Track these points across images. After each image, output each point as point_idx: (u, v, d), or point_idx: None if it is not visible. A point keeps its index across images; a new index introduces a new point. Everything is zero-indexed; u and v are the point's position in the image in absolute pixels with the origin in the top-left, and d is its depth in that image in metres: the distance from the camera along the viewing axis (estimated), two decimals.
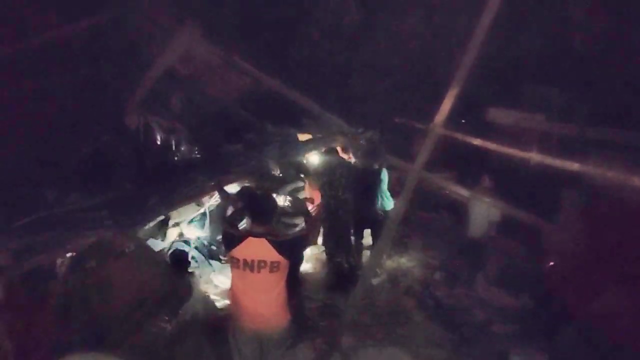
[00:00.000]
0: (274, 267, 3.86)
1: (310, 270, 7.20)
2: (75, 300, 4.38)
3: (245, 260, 3.87)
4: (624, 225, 4.74)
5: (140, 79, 7.77)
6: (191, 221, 7.17)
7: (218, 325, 4.79)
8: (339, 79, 9.27)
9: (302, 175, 7.72)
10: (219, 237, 7.13)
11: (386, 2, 9.16)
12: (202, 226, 7.28)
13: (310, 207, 7.08)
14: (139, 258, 4.92)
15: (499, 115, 8.14)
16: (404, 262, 7.39)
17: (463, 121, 7.56)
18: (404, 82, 9.24)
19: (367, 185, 6.85)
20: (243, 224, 5.35)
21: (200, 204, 7.09)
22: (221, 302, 5.91)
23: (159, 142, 7.65)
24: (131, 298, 4.59)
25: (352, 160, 7.03)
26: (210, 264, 6.84)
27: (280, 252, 3.85)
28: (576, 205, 5.38)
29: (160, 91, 8.01)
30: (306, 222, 4.58)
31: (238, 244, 3.89)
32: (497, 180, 6.90)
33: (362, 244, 7.31)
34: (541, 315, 5.58)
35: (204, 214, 7.22)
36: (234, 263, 3.94)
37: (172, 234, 6.87)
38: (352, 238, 7.08)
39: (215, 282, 6.56)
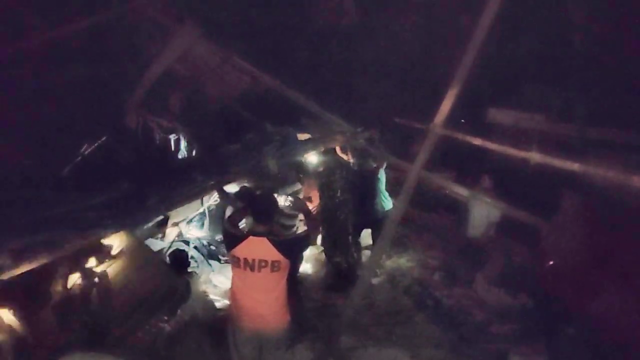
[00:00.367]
0: (274, 266, 3.86)
1: (310, 271, 7.20)
2: (75, 301, 4.38)
3: (246, 260, 3.87)
4: (624, 225, 4.74)
5: (139, 79, 7.77)
6: (190, 221, 7.16)
7: (217, 325, 4.79)
8: (338, 78, 9.27)
9: (301, 176, 7.72)
10: (219, 237, 7.13)
11: (385, 2, 9.16)
12: (202, 226, 7.28)
13: (309, 206, 7.08)
14: (138, 258, 4.93)
15: (499, 115, 8.14)
16: (403, 262, 7.38)
17: (462, 121, 7.56)
18: (403, 82, 9.24)
19: (366, 185, 6.85)
20: (243, 224, 5.35)
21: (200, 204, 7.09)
22: (220, 302, 5.91)
23: (158, 142, 7.65)
24: (130, 298, 4.59)
25: (351, 160, 7.03)
26: (210, 264, 6.83)
27: (281, 251, 3.85)
28: (575, 205, 5.37)
29: (159, 91, 8.01)
30: (307, 221, 4.57)
31: (239, 243, 3.90)
32: (497, 180, 6.90)
33: (360, 243, 7.31)
34: (540, 316, 5.57)
35: (203, 213, 7.21)
36: (235, 262, 3.94)
37: (171, 233, 6.86)
38: (351, 238, 7.09)
39: (215, 282, 6.55)
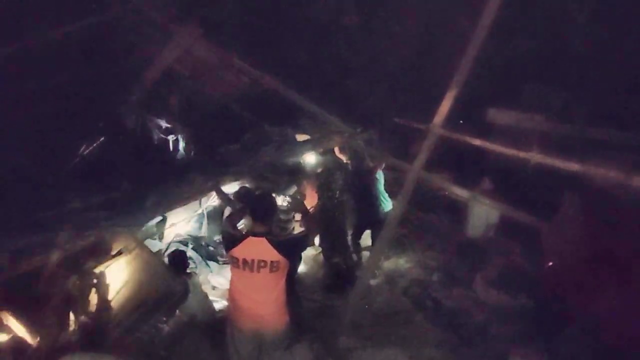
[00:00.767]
0: (273, 266, 3.86)
1: (308, 271, 7.19)
2: (74, 301, 4.37)
3: (245, 260, 3.86)
4: (623, 225, 4.74)
5: (139, 79, 7.77)
6: (189, 222, 7.16)
7: (216, 325, 4.79)
8: (337, 79, 9.26)
9: (299, 177, 7.72)
10: (217, 238, 7.12)
11: (384, 1, 9.16)
12: (200, 227, 7.27)
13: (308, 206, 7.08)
14: (137, 258, 4.92)
15: (498, 115, 8.13)
16: (402, 263, 7.38)
17: (461, 122, 7.55)
18: (402, 82, 9.23)
19: (364, 186, 6.85)
20: (242, 224, 5.35)
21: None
22: (219, 303, 5.90)
23: (157, 142, 7.65)
24: (129, 298, 4.58)
25: (350, 161, 7.02)
26: (208, 265, 6.83)
27: (280, 251, 3.84)
28: (575, 206, 5.36)
29: (158, 91, 8.00)
30: (305, 222, 4.57)
31: (238, 244, 3.89)
32: (496, 180, 6.90)
33: (360, 245, 7.31)
34: (540, 316, 5.56)
35: (201, 214, 7.21)
36: (234, 263, 3.93)
37: (169, 234, 6.86)
38: (350, 239, 7.09)
39: (213, 283, 6.55)
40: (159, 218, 6.27)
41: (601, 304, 4.66)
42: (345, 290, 6.25)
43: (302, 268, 6.86)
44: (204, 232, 7.21)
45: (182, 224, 7.06)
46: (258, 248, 3.85)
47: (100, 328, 4.27)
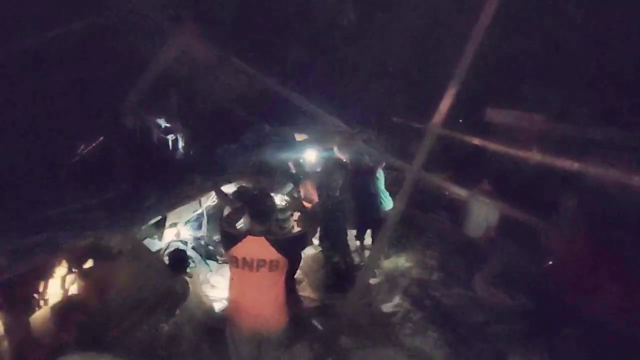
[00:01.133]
0: (273, 265, 3.86)
1: (308, 271, 7.18)
2: (73, 301, 4.37)
3: (244, 259, 3.86)
4: (623, 225, 4.75)
5: (138, 79, 7.76)
6: (188, 221, 7.15)
7: (216, 325, 4.78)
8: (336, 78, 9.27)
9: (299, 176, 7.72)
10: (216, 238, 7.11)
11: (384, 1, 9.17)
12: (199, 226, 7.26)
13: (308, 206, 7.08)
14: (136, 258, 4.92)
15: (498, 115, 8.14)
16: (401, 262, 7.38)
17: (460, 121, 7.57)
18: (401, 82, 9.25)
19: (364, 185, 6.85)
20: (241, 224, 5.34)
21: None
22: (218, 302, 5.90)
23: (156, 142, 7.64)
24: (128, 298, 4.58)
25: (349, 160, 7.03)
26: (207, 264, 6.82)
27: (279, 250, 3.84)
28: (575, 205, 5.37)
29: (157, 91, 8.00)
30: (304, 220, 4.58)
31: (237, 243, 3.89)
32: (495, 180, 6.89)
33: (363, 244, 7.33)
34: (539, 316, 5.57)
35: (201, 214, 7.20)
36: (233, 262, 3.93)
37: (169, 234, 6.85)
38: (355, 239, 7.10)
39: (212, 282, 6.54)
40: (158, 218, 6.27)
41: (600, 304, 4.67)
42: (345, 289, 6.25)
43: (302, 268, 6.85)
44: (203, 231, 7.20)
45: (181, 223, 7.04)
46: (257, 247, 3.85)
47: (100, 328, 4.27)
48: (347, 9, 9.31)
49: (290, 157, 7.26)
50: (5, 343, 3.91)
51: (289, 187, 7.64)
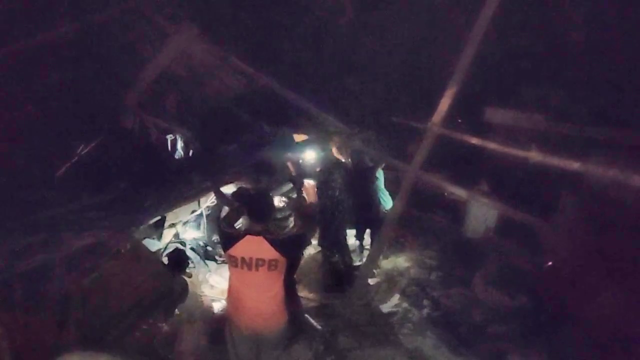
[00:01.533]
0: (272, 265, 3.86)
1: (308, 271, 7.19)
2: (73, 300, 4.37)
3: (243, 259, 3.87)
4: (623, 225, 4.75)
5: (136, 79, 7.76)
6: (187, 222, 7.15)
7: (215, 324, 4.79)
8: (334, 78, 9.26)
9: (298, 176, 7.72)
10: (215, 238, 7.12)
11: (383, 1, 9.16)
12: (198, 227, 7.27)
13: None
14: (135, 258, 4.92)
15: (497, 115, 8.13)
16: (401, 262, 7.38)
17: (460, 121, 7.57)
18: (400, 82, 9.24)
19: (364, 185, 6.86)
20: (240, 224, 5.34)
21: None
22: (217, 302, 5.90)
23: (155, 143, 7.64)
24: (128, 298, 4.59)
25: (348, 160, 7.04)
26: (206, 265, 6.82)
27: (278, 250, 3.85)
28: (574, 205, 5.38)
29: (156, 91, 8.00)
30: (302, 220, 4.58)
31: (236, 243, 3.89)
32: (494, 180, 6.90)
33: (363, 244, 7.33)
34: (539, 316, 5.57)
35: (200, 214, 7.21)
36: (232, 262, 3.93)
37: (168, 234, 6.85)
38: (354, 239, 7.10)
39: (211, 282, 6.54)
40: (158, 218, 6.27)
41: (600, 304, 4.68)
42: (344, 289, 6.25)
43: (301, 268, 6.85)
44: (202, 232, 7.20)
45: (180, 224, 7.05)
46: (256, 246, 3.86)
47: (100, 327, 4.27)
48: (346, 9, 9.30)
49: (289, 158, 7.26)
50: (5, 343, 3.91)
51: (288, 186, 7.65)
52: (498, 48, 7.57)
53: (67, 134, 6.87)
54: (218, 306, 5.78)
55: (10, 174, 5.93)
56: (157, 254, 6.09)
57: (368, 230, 7.27)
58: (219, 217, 6.69)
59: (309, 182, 6.97)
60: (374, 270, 6.89)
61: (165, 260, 5.93)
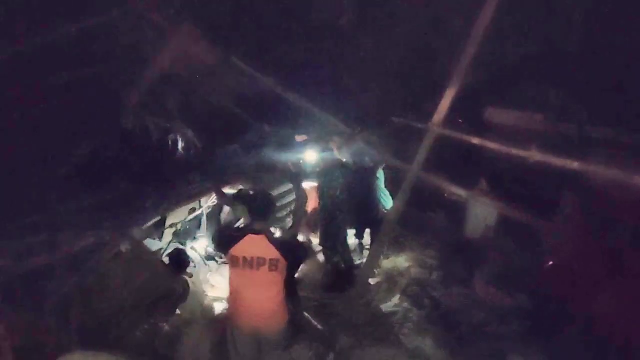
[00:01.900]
0: (272, 264, 3.87)
1: (308, 271, 7.19)
2: (74, 300, 4.38)
3: (244, 258, 3.89)
4: (623, 224, 4.75)
5: (137, 79, 7.76)
6: (188, 222, 7.16)
7: (216, 324, 4.79)
8: (335, 78, 9.26)
9: (299, 177, 7.72)
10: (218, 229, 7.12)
11: (383, 1, 9.16)
12: (199, 226, 7.27)
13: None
14: (136, 258, 4.93)
15: (497, 114, 8.13)
16: (401, 262, 7.37)
17: (460, 121, 7.56)
18: (401, 82, 9.23)
19: (364, 185, 6.86)
20: (240, 224, 5.35)
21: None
22: (218, 302, 5.90)
23: (156, 143, 7.64)
24: (129, 298, 4.59)
25: (349, 160, 7.04)
26: (207, 264, 6.83)
27: (279, 249, 3.86)
28: (575, 205, 5.37)
29: (157, 91, 8.00)
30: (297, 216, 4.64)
31: (238, 242, 3.91)
32: (495, 179, 6.89)
33: (363, 244, 7.33)
34: (539, 316, 5.58)
35: (200, 214, 7.21)
36: (234, 262, 3.95)
37: (168, 234, 6.86)
38: (354, 239, 7.10)
39: (212, 282, 6.55)
40: (158, 218, 6.28)
41: (601, 304, 4.68)
42: (345, 289, 6.25)
43: (302, 267, 6.86)
44: (203, 232, 7.21)
45: (181, 224, 7.05)
46: (257, 245, 3.88)
47: (101, 327, 4.28)
48: (346, 9, 9.30)
49: (290, 158, 7.27)
50: (7, 343, 3.92)
51: (289, 186, 7.65)
52: (498, 48, 7.57)
53: (68, 134, 6.88)
54: (219, 306, 5.78)
55: (11, 174, 5.93)
56: (157, 254, 6.10)
57: (368, 230, 7.27)
58: (219, 217, 6.73)
59: (309, 185, 7.00)
60: (375, 270, 6.89)
61: (166, 260, 5.93)
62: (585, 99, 7.16)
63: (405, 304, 6.31)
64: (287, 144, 7.56)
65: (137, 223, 5.66)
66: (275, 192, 7.22)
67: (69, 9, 7.21)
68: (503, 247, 6.68)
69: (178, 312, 4.98)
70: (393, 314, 6.13)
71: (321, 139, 7.40)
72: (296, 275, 6.36)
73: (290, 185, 7.36)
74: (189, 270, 6.16)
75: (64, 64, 7.17)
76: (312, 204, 7.21)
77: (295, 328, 4.50)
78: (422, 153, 5.75)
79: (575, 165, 4.99)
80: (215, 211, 7.19)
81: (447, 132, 5.95)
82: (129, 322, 4.49)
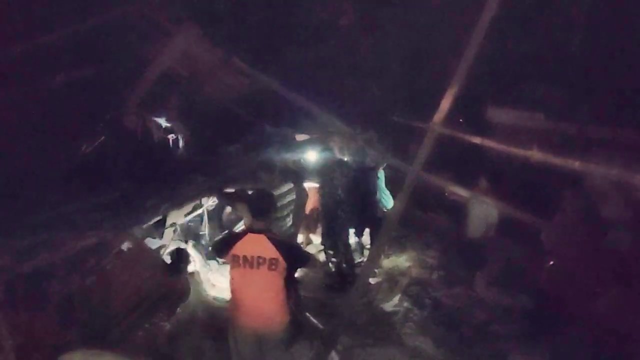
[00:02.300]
0: (272, 264, 3.88)
1: (308, 270, 7.18)
2: (75, 300, 4.38)
3: (245, 257, 3.90)
4: (623, 224, 4.75)
5: (139, 79, 7.77)
6: (189, 221, 7.15)
7: (216, 324, 4.80)
8: (336, 78, 9.27)
9: (300, 177, 7.72)
10: (217, 238, 7.11)
11: (383, 1, 9.17)
12: (200, 226, 7.26)
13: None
14: (137, 258, 4.93)
15: (497, 114, 8.13)
16: (402, 261, 7.38)
17: (461, 120, 7.56)
18: (401, 82, 9.24)
19: (365, 185, 6.85)
20: (241, 224, 5.35)
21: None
22: (219, 301, 5.91)
23: (157, 143, 7.64)
24: (130, 297, 4.59)
25: (350, 160, 7.03)
26: (208, 264, 6.82)
27: (278, 249, 3.87)
28: (575, 205, 5.37)
29: (159, 91, 8.01)
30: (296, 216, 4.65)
31: (238, 241, 3.93)
32: (496, 179, 6.89)
33: (362, 244, 7.33)
34: (540, 316, 5.57)
35: (202, 213, 7.20)
36: (235, 261, 3.96)
37: (169, 233, 6.85)
38: (354, 238, 7.10)
39: (213, 282, 6.55)
40: (159, 218, 6.27)
41: (601, 304, 4.68)
42: (346, 289, 6.25)
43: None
44: (204, 230, 7.20)
45: (181, 223, 7.04)
46: (257, 245, 3.89)
47: (102, 326, 4.28)
48: (347, 9, 9.31)
49: (290, 158, 7.27)
50: (7, 343, 3.92)
51: (289, 186, 7.65)
52: (499, 48, 7.58)
53: (69, 134, 6.88)
54: (220, 305, 5.78)
55: (12, 174, 5.94)
56: (158, 254, 6.09)
57: (368, 230, 7.26)
58: (221, 216, 6.71)
59: (310, 185, 7.00)
60: (375, 270, 6.89)
61: (167, 259, 5.93)
62: (585, 99, 7.17)
63: (406, 304, 6.32)
64: (287, 144, 7.56)
65: (137, 223, 5.65)
66: (275, 192, 7.23)
67: (69, 9, 7.22)
68: (504, 247, 6.67)
69: (179, 311, 4.99)
70: (394, 313, 6.14)
71: (322, 139, 7.40)
72: (296, 275, 6.40)
73: (290, 185, 7.35)
74: (189, 269, 6.17)
75: (64, 64, 7.18)
76: (312, 203, 7.20)
77: (296, 328, 4.50)
78: (422, 152, 5.74)
79: (575, 165, 4.99)
80: (217, 211, 7.18)
81: (448, 132, 5.94)
82: (130, 322, 4.49)
